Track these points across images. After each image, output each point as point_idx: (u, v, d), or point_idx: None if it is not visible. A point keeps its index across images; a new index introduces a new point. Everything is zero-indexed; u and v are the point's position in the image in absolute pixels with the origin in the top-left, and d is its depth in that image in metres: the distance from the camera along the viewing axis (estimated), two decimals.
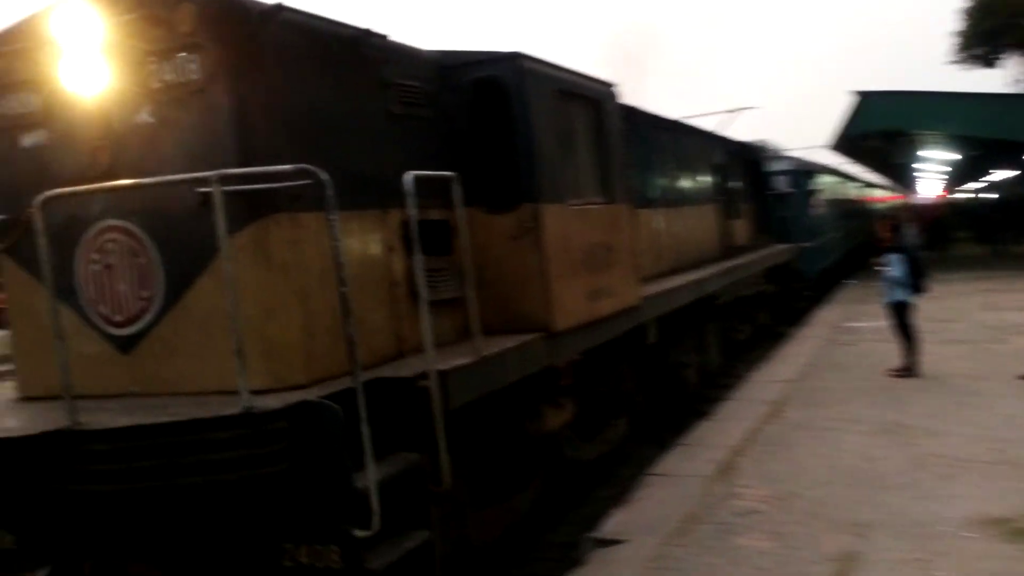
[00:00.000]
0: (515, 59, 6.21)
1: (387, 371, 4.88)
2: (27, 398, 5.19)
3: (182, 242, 4.72)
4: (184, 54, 4.64)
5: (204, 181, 4.15)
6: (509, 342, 5.71)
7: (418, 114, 5.92)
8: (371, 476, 4.09)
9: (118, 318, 4.92)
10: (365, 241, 5.28)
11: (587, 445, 7.61)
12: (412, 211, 4.76)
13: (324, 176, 4.12)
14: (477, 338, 5.22)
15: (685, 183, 11.78)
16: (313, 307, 4.75)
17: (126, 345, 4.91)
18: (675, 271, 10.61)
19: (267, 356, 4.59)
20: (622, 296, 7.52)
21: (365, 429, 4.10)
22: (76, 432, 4.06)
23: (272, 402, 4.22)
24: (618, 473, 8.16)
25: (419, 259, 4.78)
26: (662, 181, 10.78)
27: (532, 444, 6.46)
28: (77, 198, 4.84)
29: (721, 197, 13.55)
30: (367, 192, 5.28)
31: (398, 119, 5.70)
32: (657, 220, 10.29)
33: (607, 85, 7.81)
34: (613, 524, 6.02)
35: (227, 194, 4.44)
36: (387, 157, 5.45)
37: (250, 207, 4.56)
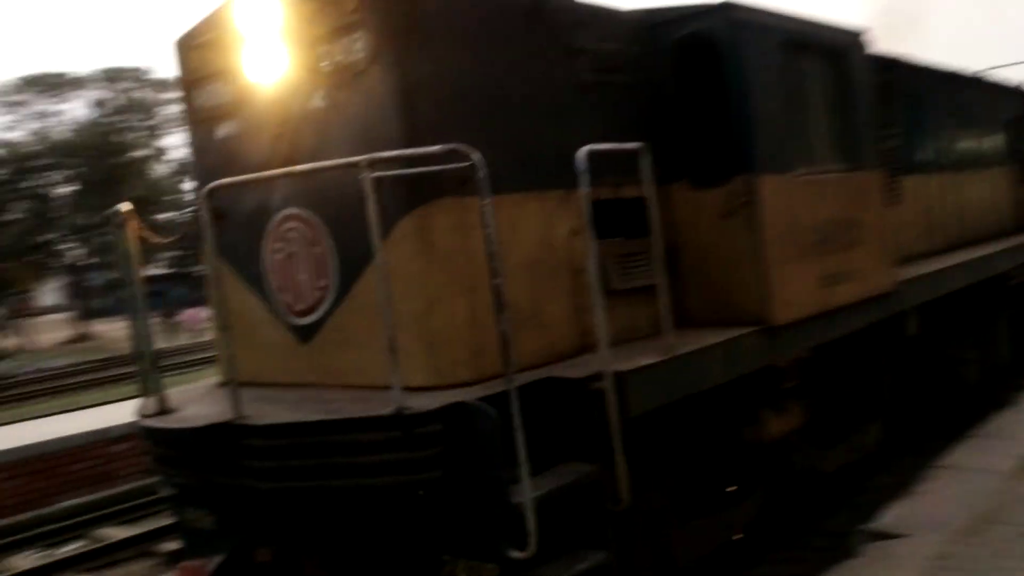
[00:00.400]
0: (727, 10, 5.44)
1: (559, 370, 4.43)
2: (226, 383, 5.35)
3: (352, 230, 4.56)
4: (350, 33, 4.46)
5: (367, 166, 3.91)
6: (713, 337, 5.03)
7: (614, 81, 5.36)
8: (526, 491, 3.68)
9: (299, 307, 4.90)
10: (545, 225, 4.85)
11: (826, 453, 6.66)
12: (585, 190, 4.24)
13: (475, 156, 3.73)
14: (667, 334, 4.61)
15: (966, 143, 10.08)
16: (481, 298, 4.39)
17: (305, 335, 4.88)
18: (952, 248, 9.11)
19: (430, 351, 4.33)
20: (869, 281, 6.46)
21: (519, 438, 3.69)
22: (235, 426, 4.04)
23: (429, 402, 3.93)
24: (900, 463, 7.49)
25: (592, 243, 4.27)
26: (934, 142, 9.28)
27: (752, 452, 5.71)
28: (264, 187, 4.89)
29: (1018, 159, 11.51)
30: (549, 171, 4.83)
31: (589, 88, 5.19)
32: (927, 188, 8.85)
33: (852, 33, 6.72)
34: (892, 517, 5.50)
35: (389, 179, 4.22)
36: (575, 131, 4.95)
37: (413, 192, 4.30)
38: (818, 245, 5.91)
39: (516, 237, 4.66)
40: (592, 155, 4.64)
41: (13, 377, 24.71)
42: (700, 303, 5.50)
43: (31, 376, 23.95)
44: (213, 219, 4.34)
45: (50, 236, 41.03)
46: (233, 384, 4.16)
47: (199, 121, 5.31)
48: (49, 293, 50.04)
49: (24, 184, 39.51)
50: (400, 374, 3.83)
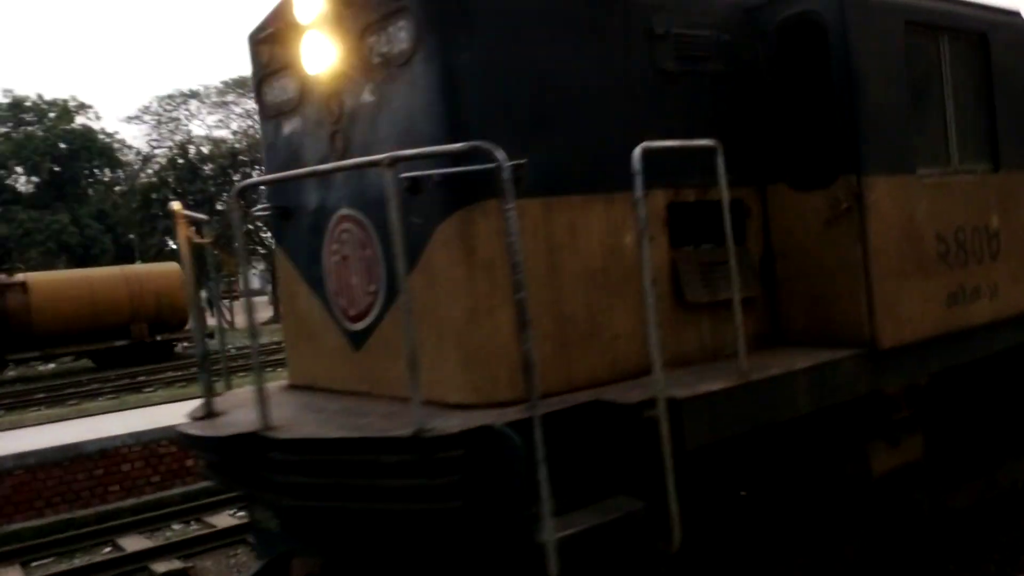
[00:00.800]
0: None
1: (611, 393, 3.94)
2: (291, 386, 5.20)
3: None
4: (396, 21, 4.14)
5: (388, 165, 3.57)
6: (803, 360, 4.37)
7: (702, 69, 4.77)
8: (549, 531, 3.24)
9: (352, 312, 4.65)
10: (612, 230, 4.35)
11: (957, 489, 5.78)
12: (639, 193, 3.73)
13: (500, 155, 3.32)
14: (742, 356, 4.02)
15: None
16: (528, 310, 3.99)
17: (358, 341, 4.62)
18: None
19: (469, 366, 3.95)
20: (1014, 296, 5.53)
21: (543, 471, 3.25)
22: (258, 438, 3.81)
23: (454, 424, 3.56)
24: None
25: (646, 250, 3.74)
26: None
27: (856, 489, 4.98)
28: (322, 187, 4.68)
29: None
30: (619, 170, 4.31)
31: (672, 78, 4.64)
32: None
33: (1002, 12, 5.77)
34: None
35: (433, 180, 3.89)
36: (653, 125, 4.43)
37: (454, 193, 3.93)
38: (946, 257, 5.09)
39: (576, 243, 4.21)
40: (674, 154, 4.13)
41: (219, 353, 26.57)
42: (800, 319, 4.85)
43: (236, 353, 25.74)
44: (241, 220, 4.14)
45: (252, 225, 44.18)
46: (260, 393, 3.94)
47: (268, 117, 5.16)
48: (252, 277, 53.74)
49: (232, 178, 42.27)
50: (420, 391, 3.47)
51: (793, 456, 4.61)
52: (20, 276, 26.09)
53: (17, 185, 44.33)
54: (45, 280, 25.80)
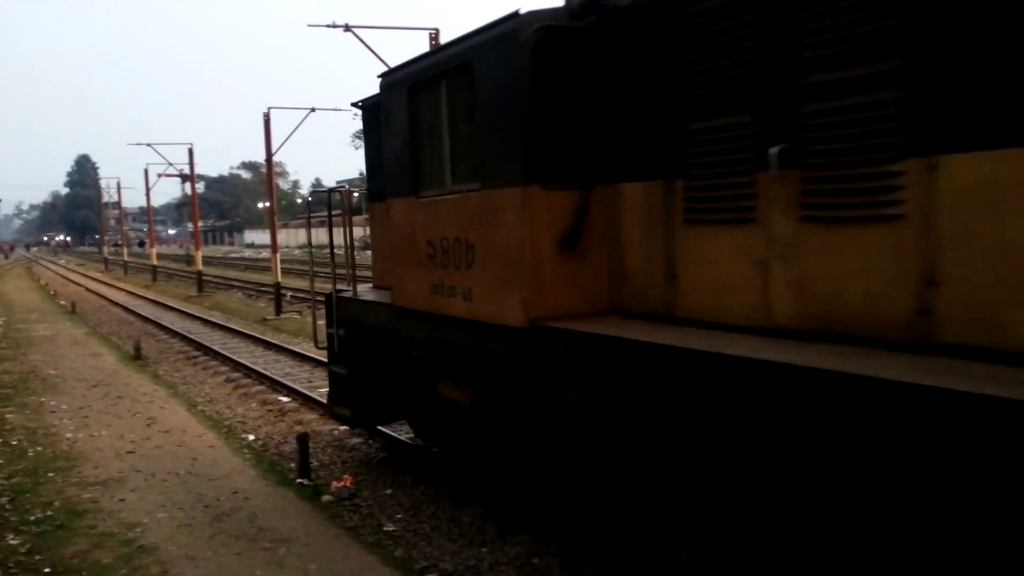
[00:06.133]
0: None
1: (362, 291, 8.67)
2: None
3: None
4: None
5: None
6: (377, 296, 7.65)
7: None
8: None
9: None
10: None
11: None
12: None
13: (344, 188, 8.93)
14: (353, 288, 8.05)
15: None
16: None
17: None
18: None
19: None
20: (483, 305, 5.81)
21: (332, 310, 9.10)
22: None
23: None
24: None
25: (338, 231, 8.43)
26: None
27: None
28: None
29: None
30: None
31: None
32: None
33: (494, 26, 5.27)
34: None
35: None
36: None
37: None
38: (434, 258, 6.42)
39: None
40: None
41: None
42: None
43: None
44: None
45: None
46: None
47: None
48: None
49: None
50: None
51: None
52: None
53: None
54: None
